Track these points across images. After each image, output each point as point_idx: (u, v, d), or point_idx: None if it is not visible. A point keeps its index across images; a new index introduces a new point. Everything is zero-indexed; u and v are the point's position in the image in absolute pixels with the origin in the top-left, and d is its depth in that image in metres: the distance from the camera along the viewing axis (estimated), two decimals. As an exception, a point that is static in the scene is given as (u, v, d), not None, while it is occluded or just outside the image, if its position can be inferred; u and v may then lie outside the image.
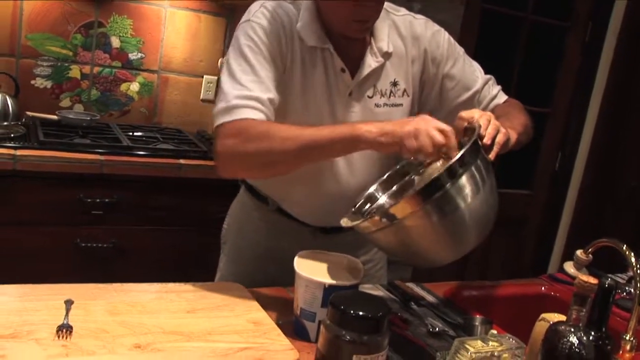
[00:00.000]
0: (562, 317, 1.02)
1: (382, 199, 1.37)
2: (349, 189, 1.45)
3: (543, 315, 1.08)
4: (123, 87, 2.75)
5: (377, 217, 1.11)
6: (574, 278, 1.58)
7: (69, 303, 1.15)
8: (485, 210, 1.16)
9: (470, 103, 1.48)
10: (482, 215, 1.16)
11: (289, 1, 1.41)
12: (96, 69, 2.68)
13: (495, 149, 1.20)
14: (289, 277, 1.52)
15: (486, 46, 2.96)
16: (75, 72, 2.65)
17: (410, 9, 1.54)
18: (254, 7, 1.39)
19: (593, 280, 0.89)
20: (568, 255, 3.31)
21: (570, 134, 3.48)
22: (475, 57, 1.57)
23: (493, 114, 1.28)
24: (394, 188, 1.36)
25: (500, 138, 1.21)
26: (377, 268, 1.68)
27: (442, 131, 1.14)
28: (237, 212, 1.67)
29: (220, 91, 1.34)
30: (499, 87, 1.57)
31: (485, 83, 1.53)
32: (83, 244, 2.24)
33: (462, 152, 1.09)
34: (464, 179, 1.10)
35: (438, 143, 1.13)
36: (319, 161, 1.38)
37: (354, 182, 1.46)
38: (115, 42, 2.69)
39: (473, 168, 1.11)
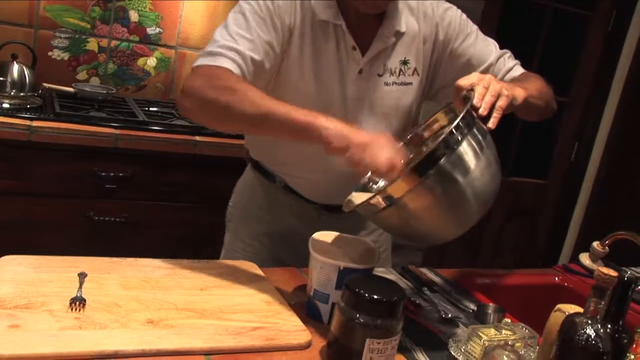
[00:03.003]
0: (578, 309, 1.01)
1: (383, 182, 1.35)
2: None
3: (559, 305, 1.06)
4: (140, 61, 2.74)
5: (376, 199, 1.08)
6: (588, 269, 1.58)
7: (82, 276, 1.15)
8: (485, 182, 1.12)
9: None
10: (482, 188, 1.12)
11: None
12: (113, 43, 2.67)
13: (496, 114, 1.15)
14: (292, 255, 1.53)
15: (507, 33, 2.91)
16: (92, 45, 2.64)
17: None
18: None
19: (613, 273, 0.88)
20: (580, 246, 3.31)
21: (588, 124, 3.45)
22: (496, 44, 1.55)
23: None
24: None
25: (502, 102, 1.16)
26: (381, 250, 1.68)
27: (392, 164, 1.09)
28: (243, 190, 1.67)
29: (211, 38, 1.33)
30: (516, 61, 1.53)
31: (500, 57, 1.50)
32: (96, 217, 2.25)
33: (452, 126, 1.05)
34: (458, 153, 1.06)
35: (378, 169, 1.09)
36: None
37: None
38: (133, 16, 2.67)
39: (467, 141, 1.07)
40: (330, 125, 1.14)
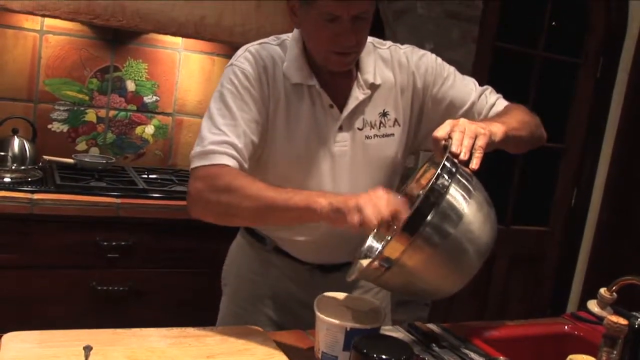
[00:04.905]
0: (591, 359, 1.00)
1: (380, 247, 1.35)
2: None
3: (571, 357, 1.05)
4: (138, 130, 2.77)
5: (375, 264, 1.08)
6: (598, 317, 1.56)
7: (87, 349, 1.13)
8: (480, 225, 1.12)
9: (467, 116, 1.43)
10: (479, 231, 1.11)
11: (275, 43, 1.43)
12: (112, 113, 2.71)
13: (477, 154, 1.16)
14: (288, 316, 1.52)
15: (498, 84, 2.95)
16: (91, 115, 2.68)
17: (421, 47, 1.55)
18: (239, 51, 1.42)
19: (623, 322, 0.87)
20: (587, 292, 3.28)
21: (585, 169, 3.47)
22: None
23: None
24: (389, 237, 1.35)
25: (481, 142, 1.17)
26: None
27: (393, 212, 1.09)
28: (236, 253, 1.67)
29: (199, 134, 1.36)
30: (498, 95, 1.54)
31: (482, 93, 1.51)
32: (99, 287, 2.24)
33: (432, 180, 1.06)
34: (446, 202, 1.06)
35: (382, 217, 1.08)
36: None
37: None
38: (130, 85, 2.72)
39: (453, 188, 1.08)
40: (324, 202, 1.16)
